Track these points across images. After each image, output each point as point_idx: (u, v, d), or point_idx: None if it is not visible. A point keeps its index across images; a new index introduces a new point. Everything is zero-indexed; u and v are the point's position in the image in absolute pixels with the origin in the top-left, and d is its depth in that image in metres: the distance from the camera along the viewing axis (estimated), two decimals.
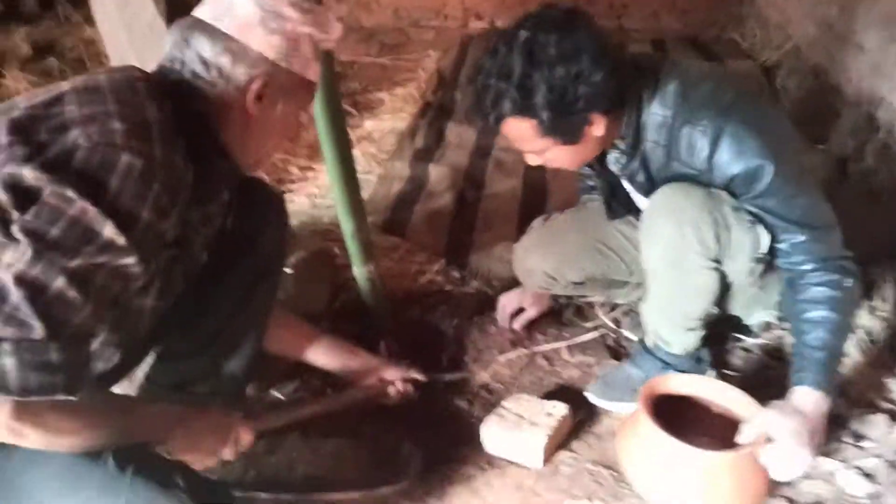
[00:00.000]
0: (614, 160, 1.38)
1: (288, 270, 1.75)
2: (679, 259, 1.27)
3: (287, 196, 2.48)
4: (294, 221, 2.17)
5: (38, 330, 0.80)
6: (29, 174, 0.83)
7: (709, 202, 1.23)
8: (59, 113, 0.89)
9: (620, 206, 1.51)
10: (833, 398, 1.24)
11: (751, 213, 1.26)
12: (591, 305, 1.87)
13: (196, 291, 1.21)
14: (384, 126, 2.93)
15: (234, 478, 1.34)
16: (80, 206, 0.82)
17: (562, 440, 1.44)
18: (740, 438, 1.18)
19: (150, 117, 0.92)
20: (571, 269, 1.60)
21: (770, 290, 1.43)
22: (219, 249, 1.20)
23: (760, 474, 1.17)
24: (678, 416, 1.25)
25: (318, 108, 1.46)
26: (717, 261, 1.29)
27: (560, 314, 1.85)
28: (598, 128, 1.24)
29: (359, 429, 1.50)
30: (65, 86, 0.95)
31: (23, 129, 0.87)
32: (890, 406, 1.48)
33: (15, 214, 0.82)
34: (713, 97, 1.25)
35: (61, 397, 0.83)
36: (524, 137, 1.25)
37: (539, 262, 1.62)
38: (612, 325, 1.81)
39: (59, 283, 0.81)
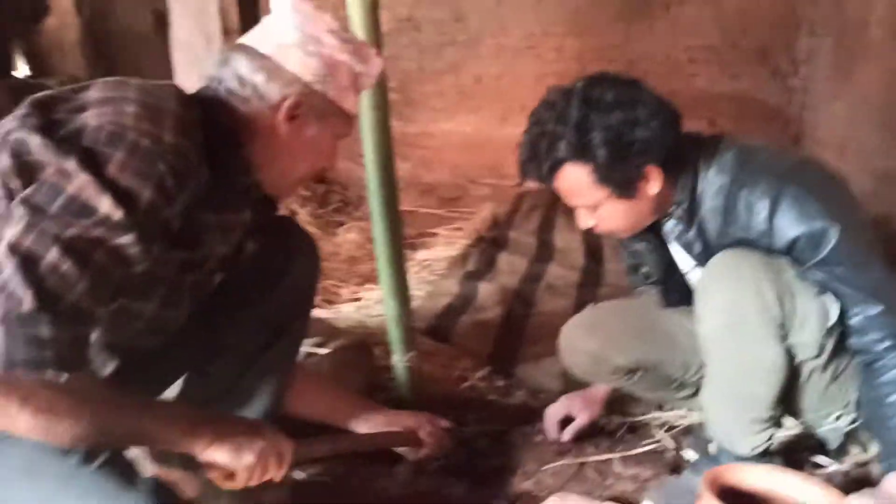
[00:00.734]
0: (670, 228, 1.33)
1: (324, 351, 1.71)
2: (739, 326, 1.17)
3: (334, 308, 2.50)
4: (339, 324, 2.16)
5: (27, 301, 0.76)
6: (35, 144, 0.84)
7: (769, 265, 1.16)
8: (80, 97, 0.92)
9: (676, 292, 1.43)
10: None
11: (817, 281, 1.18)
12: (646, 424, 1.73)
13: (213, 327, 1.17)
14: (437, 254, 2.98)
15: None
16: (80, 178, 0.82)
17: None
18: None
19: (166, 106, 0.93)
20: (620, 351, 1.49)
21: (845, 386, 1.29)
22: (241, 282, 1.17)
23: None
24: None
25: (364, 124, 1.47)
26: (783, 331, 1.18)
27: (613, 433, 1.70)
28: (653, 185, 1.22)
29: None
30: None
31: (42, 106, 0.90)
32: None
33: (16, 182, 0.83)
34: (773, 162, 1.23)
35: (50, 375, 0.78)
36: (579, 187, 1.23)
37: (585, 341, 1.52)
38: (671, 443, 1.65)
39: (53, 254, 0.79)
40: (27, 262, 0.78)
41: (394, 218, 1.57)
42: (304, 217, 3.72)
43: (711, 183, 1.25)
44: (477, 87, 4.68)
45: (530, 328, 2.16)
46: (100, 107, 0.89)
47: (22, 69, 4.62)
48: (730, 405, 1.27)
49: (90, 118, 0.88)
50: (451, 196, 4.58)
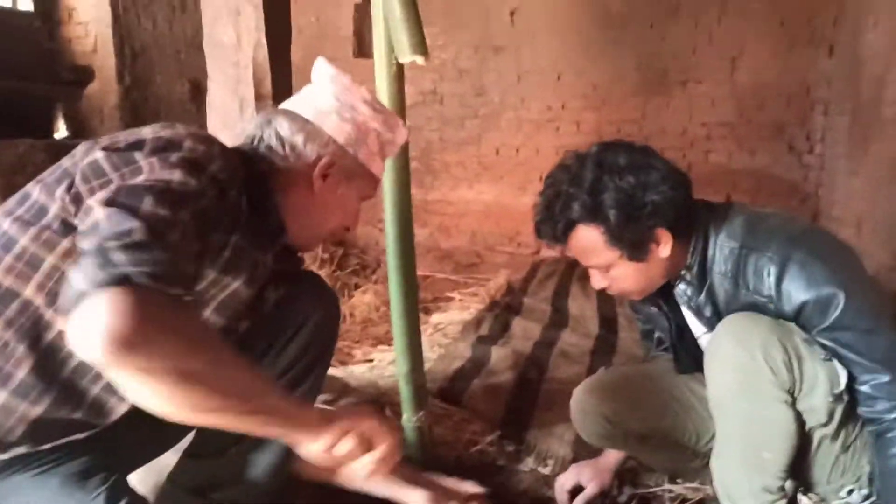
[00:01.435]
0: (681, 292, 1.34)
1: (333, 409, 1.70)
2: (749, 387, 1.16)
3: (347, 368, 2.50)
4: (351, 382, 2.16)
5: (138, 232, 0.79)
6: (101, 157, 0.91)
7: (777, 329, 1.16)
8: (135, 131, 0.99)
9: (689, 356, 1.42)
10: None
11: (824, 347, 1.17)
12: (659, 496, 1.68)
13: None
14: (451, 318, 2.99)
15: None
16: (149, 164, 0.89)
17: None
18: None
19: (213, 137, 1.01)
20: (633, 416, 1.47)
21: (857, 458, 1.26)
22: (261, 332, 1.19)
23: None
24: None
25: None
26: (791, 395, 1.17)
27: None
28: (664, 248, 1.24)
29: None
30: None
31: (103, 141, 0.97)
32: None
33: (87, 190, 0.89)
34: (781, 228, 1.24)
35: (175, 291, 0.79)
36: (592, 248, 1.25)
37: (599, 403, 1.49)
38: None
39: (148, 202, 0.82)
40: (127, 208, 0.81)
41: (410, 277, 1.60)
42: None
43: (721, 248, 1.26)
44: (497, 158, 4.81)
45: (542, 394, 2.14)
46: (155, 130, 0.98)
47: (62, 131, 4.83)
48: (740, 471, 1.24)
49: (147, 133, 0.96)
50: (468, 262, 4.63)
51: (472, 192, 4.89)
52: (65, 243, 0.90)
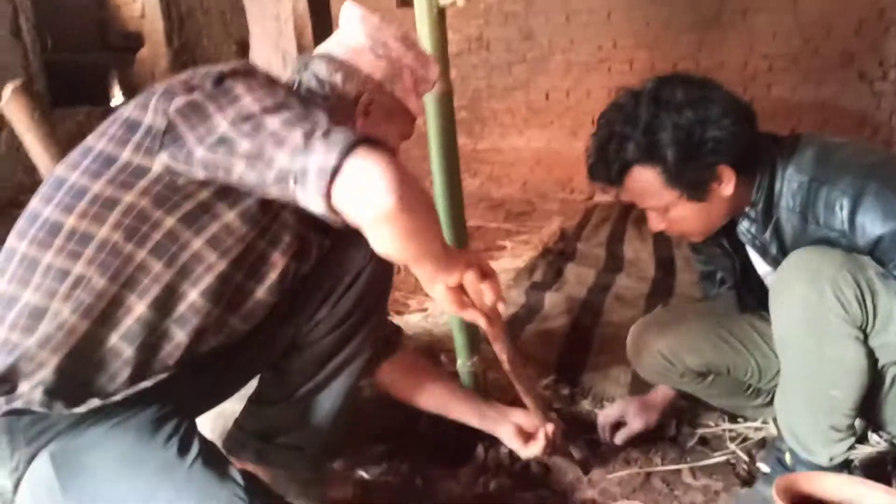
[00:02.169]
0: (745, 230, 1.28)
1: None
2: (817, 323, 1.11)
3: (402, 318, 2.53)
4: (406, 330, 2.19)
5: (322, 121, 0.87)
6: (190, 98, 0.94)
7: (849, 262, 1.10)
8: (202, 71, 1.01)
9: (752, 296, 1.37)
10: None
11: None
12: (719, 437, 1.66)
13: (290, 324, 1.21)
14: (504, 266, 2.98)
15: None
16: (242, 86, 0.93)
17: None
18: None
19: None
20: (691, 352, 1.43)
21: None
22: (318, 282, 1.20)
23: None
24: None
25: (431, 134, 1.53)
26: (863, 331, 1.11)
27: (684, 444, 1.64)
28: (727, 186, 1.19)
29: None
30: None
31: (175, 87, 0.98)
32: None
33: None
34: (855, 159, 1.17)
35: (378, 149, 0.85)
36: (649, 189, 1.21)
37: (656, 339, 1.47)
38: (743, 455, 1.58)
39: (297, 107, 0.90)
40: (286, 110, 0.89)
41: (459, 225, 1.59)
42: None
43: (790, 182, 1.20)
44: (546, 103, 4.70)
45: (597, 338, 2.13)
46: (216, 66, 1.00)
47: (118, 97, 4.96)
48: (807, 410, 1.20)
49: (218, 66, 0.98)
50: (520, 211, 4.58)
51: (523, 140, 4.80)
52: (142, 183, 0.93)
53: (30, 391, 0.93)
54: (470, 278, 0.99)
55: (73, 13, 4.81)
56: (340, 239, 1.24)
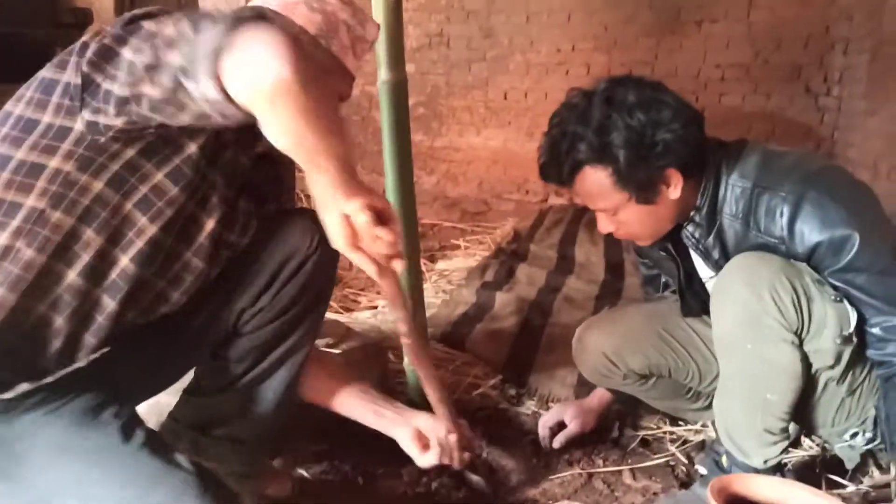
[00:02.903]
0: (689, 234, 1.30)
1: (336, 351, 1.70)
2: (755, 327, 1.13)
3: (351, 312, 2.50)
4: (354, 327, 2.16)
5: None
6: (100, 45, 0.90)
7: (787, 268, 1.13)
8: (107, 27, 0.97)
9: (695, 300, 1.40)
10: None
11: (836, 288, 1.14)
12: (659, 439, 1.69)
13: (231, 312, 1.18)
14: (456, 265, 2.98)
15: None
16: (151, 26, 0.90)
17: None
18: None
19: None
20: (634, 354, 1.45)
21: (862, 402, 1.24)
22: (260, 270, 1.17)
23: None
24: None
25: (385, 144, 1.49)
26: (798, 336, 1.14)
27: (626, 446, 1.66)
28: (674, 189, 1.20)
29: None
30: None
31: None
32: None
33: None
34: (796, 166, 1.19)
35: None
36: (599, 190, 1.21)
37: (599, 341, 1.48)
38: (682, 458, 1.60)
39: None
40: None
41: (410, 219, 1.58)
42: None
43: (733, 188, 1.22)
44: (505, 103, 4.70)
45: (545, 338, 2.14)
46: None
47: None
48: (743, 412, 1.22)
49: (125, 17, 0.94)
50: (475, 210, 4.58)
51: (480, 139, 4.80)
52: (65, 146, 0.91)
53: None
54: (364, 218, 0.82)
55: None
56: (283, 223, 1.21)
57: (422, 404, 1.67)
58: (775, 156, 1.23)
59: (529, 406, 1.85)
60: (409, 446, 1.32)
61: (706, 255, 1.30)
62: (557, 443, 1.57)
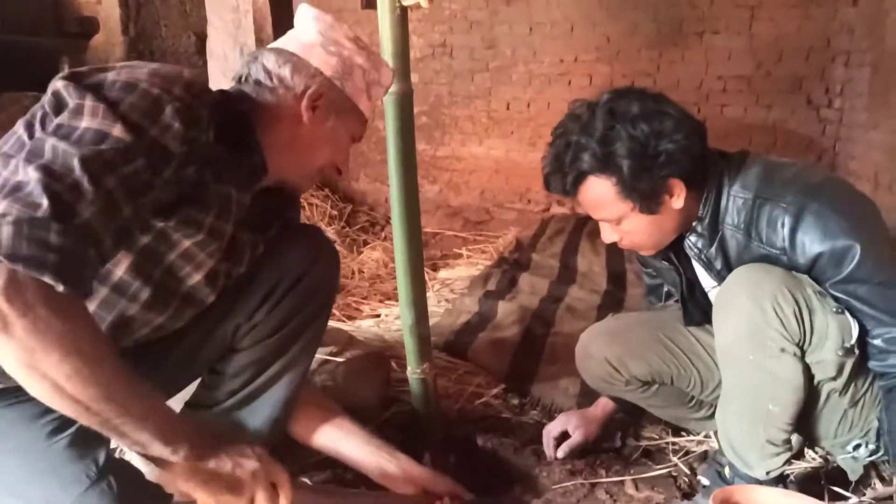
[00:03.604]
0: (692, 244, 1.31)
1: (339, 359, 1.71)
2: (758, 338, 1.14)
3: (354, 321, 2.51)
4: (357, 335, 2.16)
5: (43, 208, 0.77)
6: (62, 86, 0.89)
7: (789, 280, 1.13)
8: (106, 68, 0.96)
9: (697, 309, 1.40)
10: None
11: (837, 300, 1.14)
12: (662, 449, 1.69)
13: (229, 326, 1.19)
14: (459, 274, 2.99)
15: None
16: (96, 110, 0.86)
17: None
18: None
19: (176, 72, 0.97)
20: (636, 361, 1.45)
21: (865, 413, 1.25)
22: (259, 284, 1.19)
23: None
24: None
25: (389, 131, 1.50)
26: (800, 348, 1.15)
27: (628, 456, 1.66)
28: (678, 199, 1.21)
29: None
30: None
31: (75, 71, 0.94)
32: None
33: (40, 119, 0.89)
34: (798, 178, 1.20)
35: (48, 279, 0.77)
36: (603, 200, 1.22)
37: (602, 347, 1.48)
38: (685, 468, 1.61)
39: (77, 171, 0.81)
40: (50, 176, 0.79)
41: (414, 227, 1.57)
42: (329, 235, 3.75)
43: (735, 198, 1.23)
44: (507, 113, 4.71)
45: (548, 348, 2.14)
46: (118, 70, 0.95)
47: None
48: (745, 423, 1.23)
49: (109, 76, 0.93)
50: (477, 219, 4.60)
51: (482, 148, 4.81)
52: None
53: None
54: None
55: None
56: (283, 239, 1.22)
57: (424, 413, 1.68)
58: (777, 167, 1.24)
59: (532, 416, 1.86)
60: None
61: (708, 266, 1.31)
62: (561, 453, 1.57)
